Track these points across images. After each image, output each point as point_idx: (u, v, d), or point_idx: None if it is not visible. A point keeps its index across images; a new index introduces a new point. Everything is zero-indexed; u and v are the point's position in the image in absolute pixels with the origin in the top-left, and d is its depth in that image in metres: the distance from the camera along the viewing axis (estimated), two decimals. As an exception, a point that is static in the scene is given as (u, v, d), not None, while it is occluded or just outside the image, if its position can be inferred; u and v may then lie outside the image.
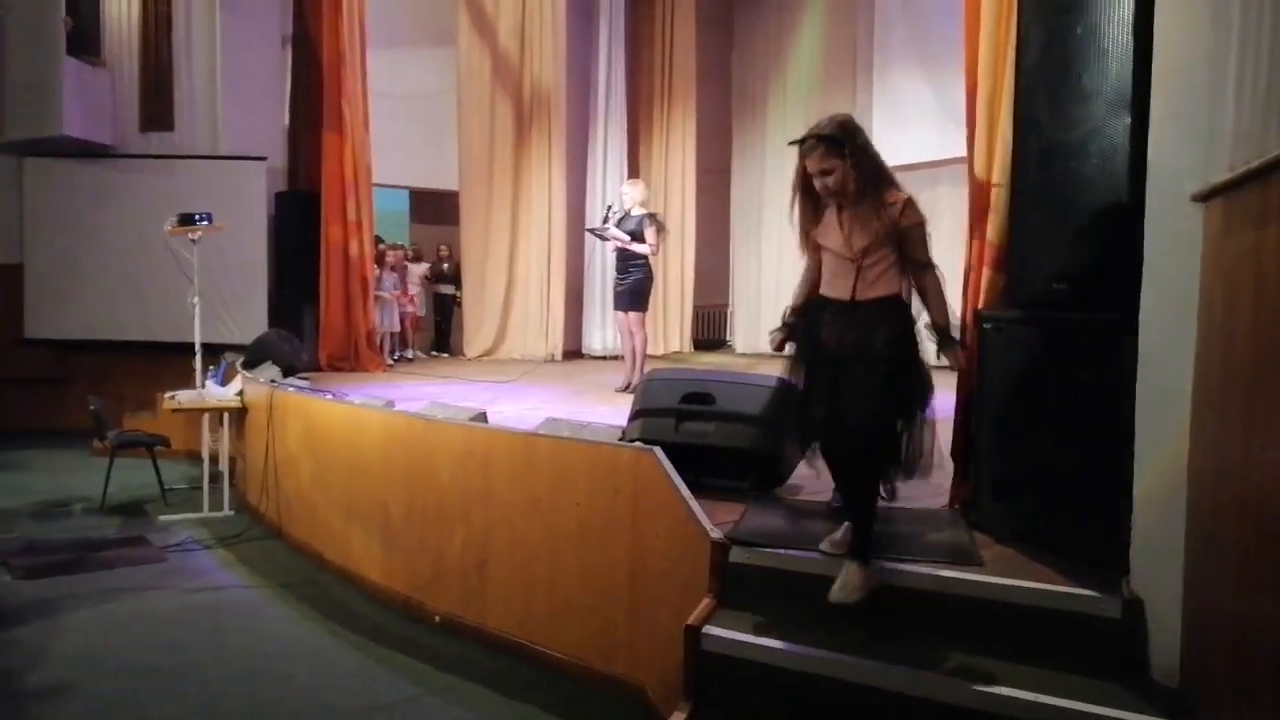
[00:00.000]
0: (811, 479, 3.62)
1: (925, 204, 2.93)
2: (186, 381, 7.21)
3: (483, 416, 4.63)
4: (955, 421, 3.54)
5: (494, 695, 3.66)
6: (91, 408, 7.15)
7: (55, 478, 7.58)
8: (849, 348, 2.84)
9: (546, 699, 3.60)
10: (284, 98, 9.95)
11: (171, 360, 8.22)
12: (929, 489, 3.74)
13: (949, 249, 3.67)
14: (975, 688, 2.56)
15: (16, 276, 9.75)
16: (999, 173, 3.27)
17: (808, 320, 3.03)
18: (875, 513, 3.00)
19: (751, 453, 3.80)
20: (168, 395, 6.82)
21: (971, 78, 3.47)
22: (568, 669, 3.78)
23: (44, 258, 9.74)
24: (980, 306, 3.40)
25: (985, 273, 3.39)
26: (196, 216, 6.87)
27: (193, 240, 6.84)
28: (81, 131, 9.32)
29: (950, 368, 3.05)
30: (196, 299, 6.76)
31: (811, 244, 3.02)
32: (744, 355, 10.90)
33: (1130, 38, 2.80)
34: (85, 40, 9.54)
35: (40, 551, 5.51)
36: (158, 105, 9.84)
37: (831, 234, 2.94)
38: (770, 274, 11.03)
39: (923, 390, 2.89)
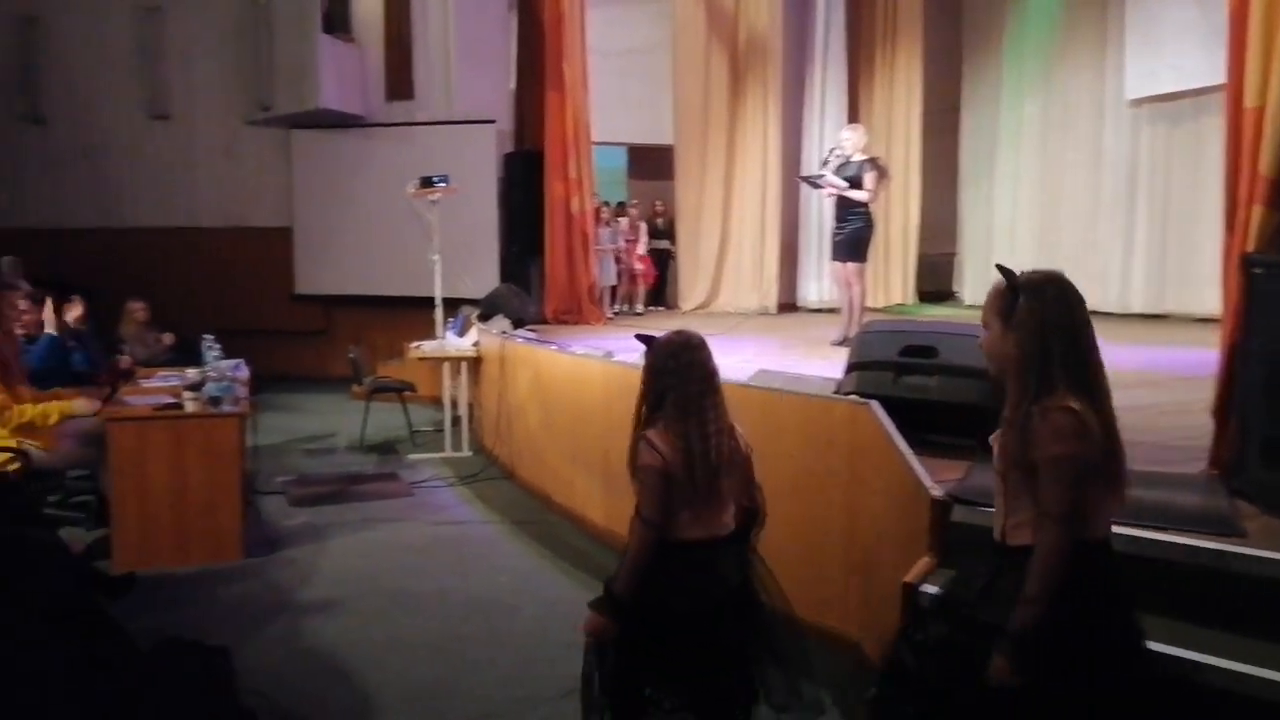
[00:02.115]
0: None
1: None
2: (429, 333, 7.82)
3: (698, 367, 4.69)
4: (1219, 376, 3.20)
5: (708, 638, 3.75)
6: (350, 356, 7.92)
7: (321, 419, 8.50)
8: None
9: (759, 646, 3.64)
10: (510, 61, 10.40)
11: (416, 313, 8.92)
12: (1183, 452, 3.42)
13: (1219, 185, 3.32)
14: (1222, 666, 2.33)
15: (287, 238, 10.92)
16: (1275, 95, 2.87)
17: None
18: None
19: (978, 408, 3.59)
20: (413, 345, 7.44)
21: (1243, -13, 3.05)
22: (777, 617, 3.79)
23: (309, 221, 10.84)
24: (1249, 248, 3.03)
25: (1255, 210, 3.01)
26: (435, 179, 7.36)
27: (432, 201, 7.34)
28: (337, 104, 10.19)
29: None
30: (437, 256, 7.25)
31: None
32: (973, 307, 10.30)
33: None
34: (337, 18, 10.40)
35: (310, 483, 6.22)
36: (400, 76, 10.60)
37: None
38: (1003, 219, 10.30)
39: None
